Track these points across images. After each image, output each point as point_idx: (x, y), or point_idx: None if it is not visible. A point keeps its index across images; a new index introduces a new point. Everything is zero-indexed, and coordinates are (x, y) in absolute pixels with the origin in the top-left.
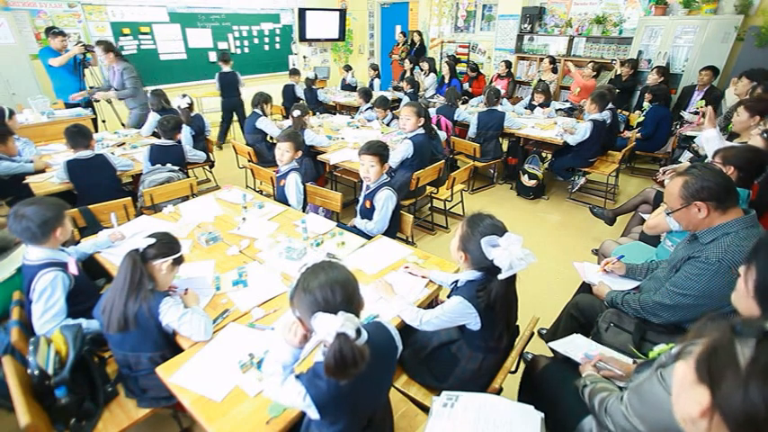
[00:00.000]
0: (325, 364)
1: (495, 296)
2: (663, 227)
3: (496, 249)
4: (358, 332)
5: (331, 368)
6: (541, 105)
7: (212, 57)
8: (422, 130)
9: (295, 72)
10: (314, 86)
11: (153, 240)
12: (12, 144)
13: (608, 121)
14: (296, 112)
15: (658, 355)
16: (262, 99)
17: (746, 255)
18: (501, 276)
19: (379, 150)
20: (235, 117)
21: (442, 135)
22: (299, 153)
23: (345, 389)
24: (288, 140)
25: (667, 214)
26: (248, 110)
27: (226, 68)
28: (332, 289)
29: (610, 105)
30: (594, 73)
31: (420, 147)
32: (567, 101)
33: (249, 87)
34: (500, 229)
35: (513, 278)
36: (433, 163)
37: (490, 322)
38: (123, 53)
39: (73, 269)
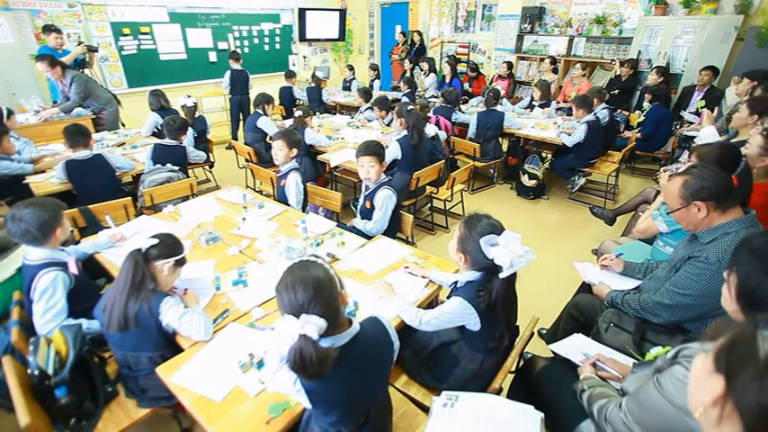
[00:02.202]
0: (287, 361)
1: (495, 296)
2: (652, 230)
3: (496, 248)
4: (351, 326)
5: (291, 366)
6: (541, 106)
7: (212, 57)
8: (405, 132)
9: (291, 74)
10: (319, 85)
11: (156, 241)
12: (7, 143)
13: (606, 120)
14: (298, 113)
15: (655, 357)
16: (264, 99)
17: (728, 260)
18: (502, 275)
19: (376, 150)
20: (240, 116)
21: (442, 135)
22: (294, 151)
23: (336, 377)
24: (280, 138)
25: (667, 214)
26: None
27: (236, 66)
28: (294, 290)
29: (604, 105)
30: (584, 72)
31: (404, 149)
32: (565, 100)
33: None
34: (498, 228)
35: (513, 277)
36: (432, 163)
37: (490, 322)
38: (123, 53)
39: (73, 269)
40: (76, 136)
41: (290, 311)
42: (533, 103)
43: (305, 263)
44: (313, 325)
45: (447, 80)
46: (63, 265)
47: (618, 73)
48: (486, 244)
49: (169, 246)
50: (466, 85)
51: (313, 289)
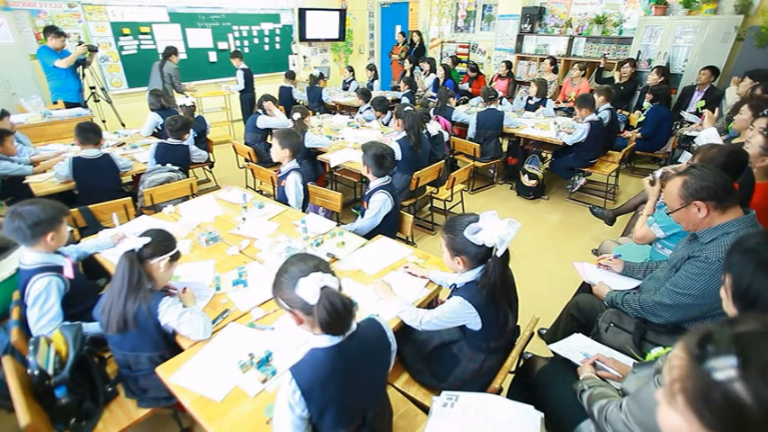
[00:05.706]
0: (319, 321)
1: (494, 278)
2: (650, 237)
3: (481, 233)
4: (339, 287)
5: (326, 321)
6: (537, 104)
7: (212, 57)
8: (404, 133)
9: (291, 75)
10: (317, 85)
11: (148, 239)
12: (10, 144)
13: (606, 121)
14: (296, 115)
15: (655, 358)
16: (265, 99)
17: (723, 262)
18: (499, 253)
19: (370, 159)
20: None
21: (445, 135)
22: (287, 151)
23: (331, 375)
24: (276, 137)
25: (667, 214)
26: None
27: (244, 65)
28: (305, 262)
29: (608, 105)
30: (582, 73)
31: (404, 150)
32: (565, 100)
33: None
34: (475, 217)
35: (506, 260)
36: (432, 163)
37: (492, 318)
38: (123, 53)
39: (68, 273)
40: (89, 133)
41: (302, 276)
42: (529, 101)
43: (303, 254)
44: (330, 278)
45: (441, 82)
46: (58, 270)
47: (601, 66)
48: (470, 234)
49: (162, 242)
50: (466, 85)
51: (321, 264)
